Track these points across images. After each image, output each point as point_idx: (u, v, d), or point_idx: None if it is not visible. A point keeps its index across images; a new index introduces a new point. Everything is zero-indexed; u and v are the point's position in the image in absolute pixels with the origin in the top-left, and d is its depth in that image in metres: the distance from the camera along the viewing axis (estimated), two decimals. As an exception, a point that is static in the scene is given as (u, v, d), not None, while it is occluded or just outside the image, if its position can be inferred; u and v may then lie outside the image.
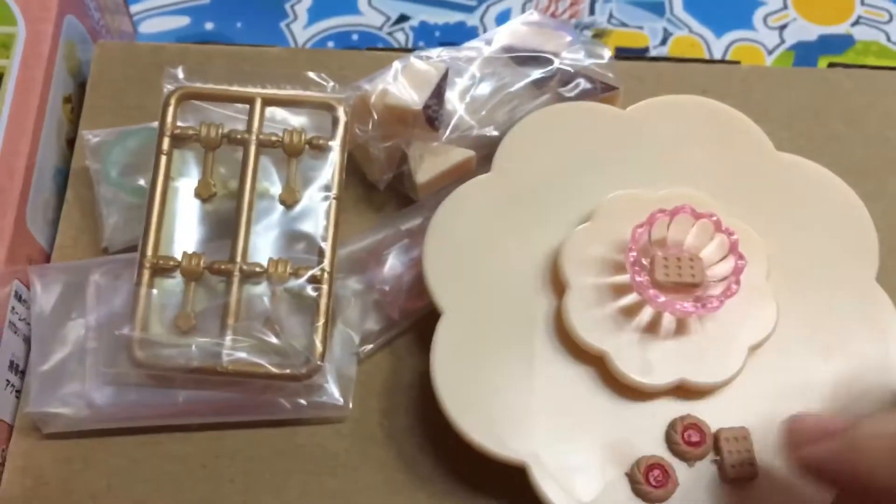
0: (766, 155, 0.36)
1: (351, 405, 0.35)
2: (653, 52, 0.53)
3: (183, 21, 0.54)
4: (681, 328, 0.33)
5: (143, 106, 0.40)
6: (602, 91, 0.37)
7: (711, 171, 0.35)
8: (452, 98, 0.36)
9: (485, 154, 0.36)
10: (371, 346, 0.36)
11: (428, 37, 0.54)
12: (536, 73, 0.37)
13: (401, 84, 0.35)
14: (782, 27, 0.53)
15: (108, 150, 0.37)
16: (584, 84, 0.37)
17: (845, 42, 0.53)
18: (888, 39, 0.53)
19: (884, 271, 0.34)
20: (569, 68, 0.37)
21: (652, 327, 0.32)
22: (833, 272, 0.34)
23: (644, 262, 0.32)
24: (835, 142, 0.37)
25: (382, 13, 0.54)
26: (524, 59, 0.37)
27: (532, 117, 0.36)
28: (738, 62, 0.40)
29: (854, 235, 0.35)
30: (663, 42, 0.53)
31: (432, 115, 0.35)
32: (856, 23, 0.53)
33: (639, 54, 0.53)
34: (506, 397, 0.32)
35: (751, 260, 0.32)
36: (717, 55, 0.53)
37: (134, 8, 0.53)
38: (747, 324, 0.32)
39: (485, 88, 0.37)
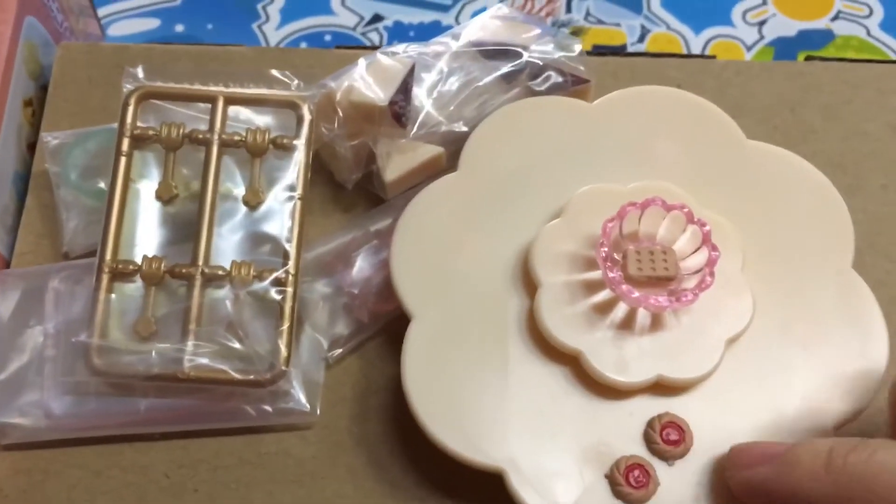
0: (737, 144, 0.35)
1: (318, 411, 0.34)
2: (630, 50, 0.52)
3: (153, 24, 0.53)
4: (656, 323, 0.32)
5: (107, 108, 0.39)
6: (573, 84, 0.37)
7: (683, 163, 0.35)
8: (420, 94, 0.35)
9: (454, 150, 0.36)
10: (340, 350, 0.35)
11: (402, 37, 0.53)
12: (505, 67, 0.36)
13: (366, 81, 0.35)
14: (761, 23, 0.52)
15: (67, 152, 0.36)
16: (554, 77, 0.36)
17: (825, 37, 0.52)
18: (868, 34, 0.53)
19: (863, 267, 0.34)
20: (538, 61, 0.36)
21: (626, 324, 0.32)
22: (809, 261, 0.33)
23: (616, 256, 0.32)
24: (812, 136, 0.36)
25: (356, 13, 0.53)
26: (493, 52, 0.36)
27: (498, 114, 0.35)
28: (713, 56, 0.39)
29: (829, 223, 0.34)
30: (641, 39, 0.52)
31: (399, 111, 0.34)
32: (835, 17, 0.53)
33: (616, 52, 0.52)
34: (480, 402, 0.31)
35: (725, 251, 0.32)
36: (696, 52, 0.52)
37: (102, 11, 0.52)
38: (723, 316, 0.32)
39: (453, 83, 0.36)
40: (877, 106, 0.39)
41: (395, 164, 0.36)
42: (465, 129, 0.36)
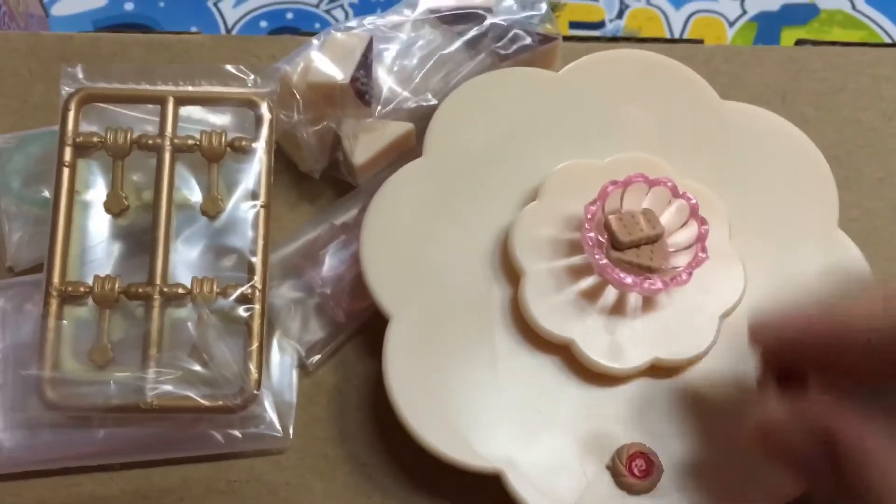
0: (713, 105, 0.34)
1: (292, 434, 0.32)
2: (609, 26, 0.50)
3: (100, 1, 0.49)
4: (647, 305, 0.30)
5: (51, 105, 0.35)
6: (541, 43, 0.34)
7: (658, 129, 0.33)
8: (381, 69, 0.33)
9: (425, 125, 0.33)
10: (318, 356, 0.33)
11: (369, 13, 0.50)
12: (469, 32, 0.34)
13: (323, 59, 0.32)
14: (744, -3, 0.50)
15: (7, 157, 0.33)
16: (520, 38, 0.34)
17: (809, 11, 0.50)
18: (853, 7, 0.51)
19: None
20: (502, 23, 0.34)
21: (617, 307, 0.30)
22: (794, 223, 0.32)
23: (602, 239, 0.30)
24: (804, 126, 0.34)
25: (318, -12, 0.50)
26: (453, 17, 0.34)
27: (460, 91, 0.33)
28: (701, 41, 0.37)
29: (811, 182, 0.33)
30: (619, 15, 0.50)
31: (361, 87, 0.32)
32: (820, -9, 0.51)
33: (594, 28, 0.50)
34: (470, 402, 0.30)
35: (712, 222, 0.30)
36: (676, 28, 0.50)
37: (44, -11, 0.48)
38: (715, 291, 0.31)
39: (415, 55, 0.34)
40: (871, 94, 0.38)
41: (364, 146, 0.33)
42: (434, 101, 0.34)
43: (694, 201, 0.30)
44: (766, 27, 0.50)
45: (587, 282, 0.30)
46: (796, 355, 0.25)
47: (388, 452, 0.32)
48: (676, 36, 0.50)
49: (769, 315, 0.26)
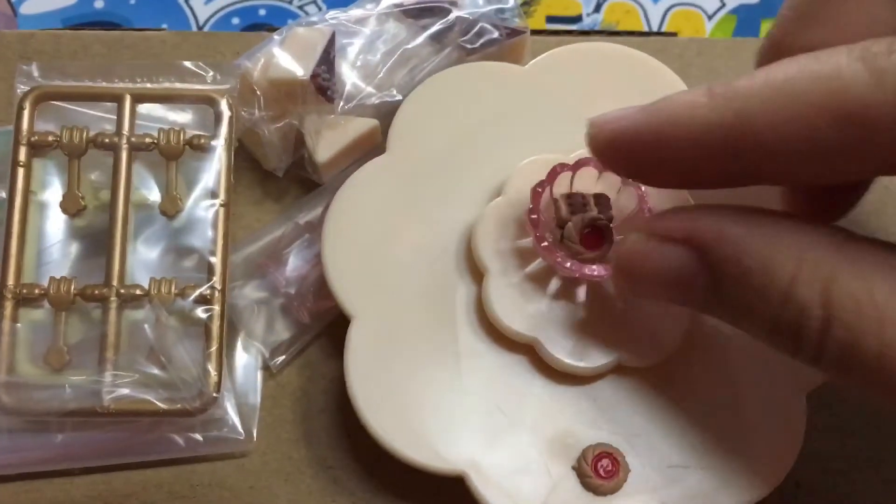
0: None
1: (255, 437, 0.31)
2: (586, 20, 0.49)
3: (70, 0, 0.49)
4: (614, 303, 0.30)
5: (11, 103, 0.35)
6: (508, 37, 0.34)
7: None
8: (344, 64, 0.32)
9: (391, 121, 0.33)
10: (283, 357, 0.32)
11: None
12: (434, 26, 0.33)
13: (283, 55, 0.31)
14: (723, -11, 0.49)
15: (-36, 158, 0.33)
16: (487, 32, 0.33)
17: (790, 3, 0.49)
18: (835, -2, 0.50)
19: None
20: (468, 16, 0.33)
21: (583, 306, 0.30)
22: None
23: (548, 222, 0.29)
24: (779, 118, 0.34)
25: (292, -16, 0.50)
26: (418, 11, 0.33)
27: (423, 87, 0.32)
28: (674, 34, 0.37)
29: None
30: (597, 9, 0.49)
31: (323, 83, 0.31)
32: (800, -19, 0.50)
33: (571, 22, 0.49)
34: (433, 403, 0.29)
35: None
36: (654, 22, 0.49)
37: (12, -13, 0.48)
38: None
39: (379, 49, 0.33)
40: (847, 84, 0.37)
41: (327, 143, 0.33)
42: (399, 97, 0.33)
43: (643, 189, 0.29)
44: (746, 20, 0.50)
45: (553, 280, 0.30)
46: (638, 167, 0.24)
47: (354, 455, 0.31)
48: (655, 29, 0.49)
49: (599, 128, 0.24)
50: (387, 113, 0.33)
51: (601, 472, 0.28)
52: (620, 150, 0.23)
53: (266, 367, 0.32)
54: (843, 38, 0.21)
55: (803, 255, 0.21)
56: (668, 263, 0.23)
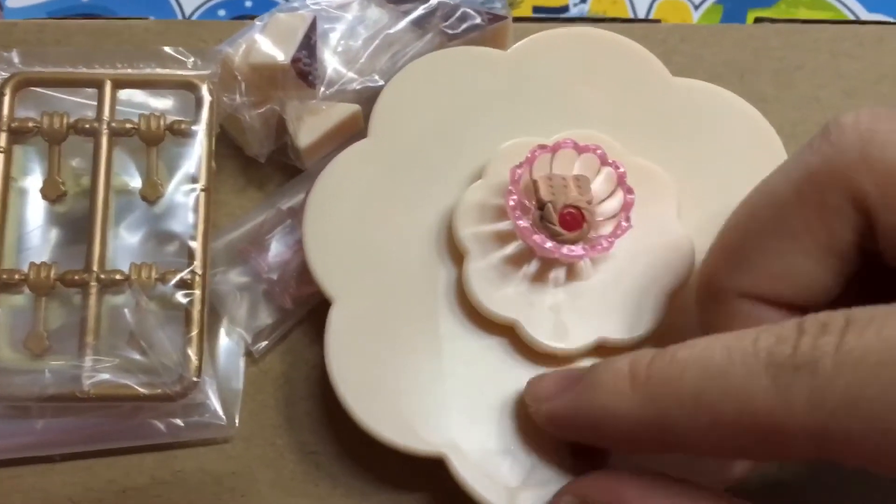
0: (665, 83, 0.33)
1: (237, 422, 0.31)
2: (573, 10, 0.49)
3: (57, -8, 0.49)
4: (594, 284, 0.30)
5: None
6: (490, 22, 0.34)
7: (609, 109, 0.33)
8: (326, 49, 0.33)
9: (373, 107, 0.33)
10: (265, 342, 0.32)
11: (331, 1, 0.49)
12: (415, 11, 0.33)
13: (265, 41, 0.31)
14: (709, -23, 0.50)
15: (-54, 146, 0.33)
16: (469, 17, 0.34)
17: (777, -8, 0.50)
18: (821, -13, 0.50)
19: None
20: (450, 1, 0.34)
21: (563, 287, 0.30)
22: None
23: (527, 203, 0.29)
24: (763, 104, 0.34)
25: (279, -24, 0.49)
26: None
27: (405, 71, 0.33)
28: (658, 21, 0.37)
29: (765, 160, 0.32)
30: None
31: (304, 69, 0.31)
32: (787, -30, 0.50)
33: (558, 13, 0.49)
34: (414, 385, 0.29)
35: (657, 197, 0.30)
36: (641, 12, 0.49)
37: (-2, -20, 0.48)
38: (663, 270, 0.30)
39: (360, 34, 0.33)
40: (830, 71, 0.37)
41: (308, 128, 0.33)
42: (381, 82, 0.33)
43: (622, 170, 0.29)
44: (732, 9, 0.50)
45: (532, 261, 0.30)
46: (580, 437, 0.26)
47: (337, 439, 0.31)
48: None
49: (536, 407, 0.27)
50: (368, 98, 0.33)
51: (567, 218, 0.28)
52: (560, 426, 0.26)
53: (249, 353, 0.32)
54: (769, 286, 0.24)
55: None
56: None
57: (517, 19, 0.37)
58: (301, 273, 0.32)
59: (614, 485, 0.25)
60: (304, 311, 0.33)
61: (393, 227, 0.31)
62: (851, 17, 0.51)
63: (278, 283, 0.32)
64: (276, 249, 0.33)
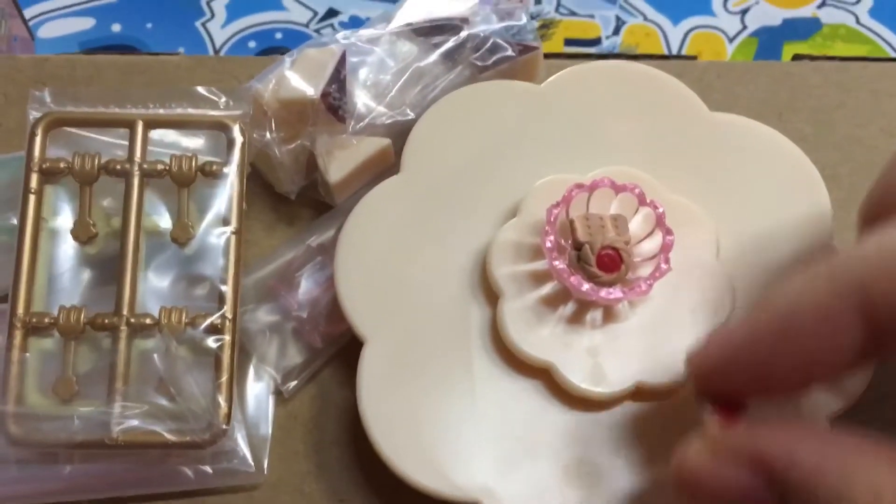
0: (703, 119, 0.33)
1: (266, 469, 0.30)
2: (605, 43, 0.49)
3: (87, 23, 0.49)
4: (633, 327, 0.29)
5: (26, 129, 0.35)
6: (520, 53, 0.33)
7: (644, 143, 0.32)
8: (356, 83, 0.32)
9: (404, 141, 0.32)
10: (295, 382, 0.32)
11: (359, 32, 0.49)
12: (446, 44, 0.33)
13: (294, 76, 0.31)
14: (744, 11, 0.49)
15: (-23, 184, 0.32)
16: (500, 49, 0.33)
17: (811, 26, 0.49)
18: (857, 21, 0.49)
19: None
20: (479, 33, 0.33)
21: (600, 330, 0.29)
22: (788, 241, 0.31)
23: (563, 244, 0.29)
24: (801, 144, 0.33)
25: (309, 8, 0.49)
26: (429, 30, 0.33)
27: (439, 105, 0.32)
28: (694, 57, 0.36)
29: (805, 199, 0.32)
30: (616, 31, 0.49)
31: (334, 103, 0.31)
32: (822, 4, 0.49)
33: (590, 45, 0.49)
34: (447, 428, 0.28)
35: (697, 237, 0.30)
36: (675, 45, 0.48)
37: (30, 11, 0.48)
38: (702, 312, 0.29)
39: (390, 68, 0.33)
40: (871, 110, 0.36)
41: (339, 163, 0.32)
42: (411, 115, 0.33)
43: (661, 210, 0.29)
44: (768, 42, 0.49)
45: (569, 302, 0.29)
46: (723, 379, 0.24)
47: (367, 486, 0.31)
48: (675, 52, 0.49)
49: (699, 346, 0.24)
50: (399, 132, 0.33)
51: (605, 260, 0.28)
52: (740, 363, 0.23)
53: (278, 393, 0.32)
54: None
55: (881, 491, 0.20)
56: (733, 484, 0.22)
57: (548, 55, 0.36)
58: (331, 311, 0.32)
59: (771, 437, 0.22)
60: (334, 349, 0.32)
61: (425, 264, 0.31)
62: (889, 49, 0.50)
63: (308, 321, 0.32)
64: (306, 287, 0.32)
